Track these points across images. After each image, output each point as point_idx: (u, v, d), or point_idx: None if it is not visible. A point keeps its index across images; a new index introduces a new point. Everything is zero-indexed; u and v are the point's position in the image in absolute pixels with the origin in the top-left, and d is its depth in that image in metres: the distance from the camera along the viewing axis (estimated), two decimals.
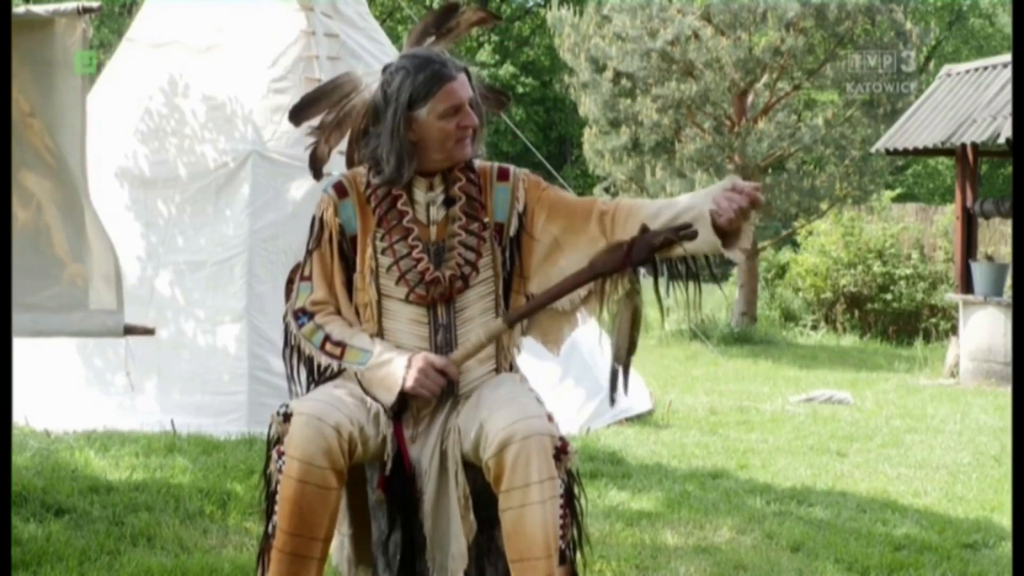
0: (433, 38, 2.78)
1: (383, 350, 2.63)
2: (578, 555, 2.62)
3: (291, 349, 2.77)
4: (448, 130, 2.63)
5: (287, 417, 2.53)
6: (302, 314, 2.73)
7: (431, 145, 2.66)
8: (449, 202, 2.72)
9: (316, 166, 2.87)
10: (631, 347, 2.65)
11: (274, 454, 2.56)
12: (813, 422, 7.24)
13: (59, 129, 3.91)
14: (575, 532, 2.59)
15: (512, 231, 2.75)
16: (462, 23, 2.83)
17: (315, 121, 2.84)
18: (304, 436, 2.46)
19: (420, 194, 2.72)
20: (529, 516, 2.43)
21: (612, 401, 2.72)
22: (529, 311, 2.67)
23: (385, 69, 2.70)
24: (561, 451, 2.50)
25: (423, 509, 2.62)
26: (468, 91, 2.65)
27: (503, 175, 2.77)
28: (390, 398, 2.59)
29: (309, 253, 2.75)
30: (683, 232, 2.54)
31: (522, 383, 2.71)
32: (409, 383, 2.56)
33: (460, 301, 2.68)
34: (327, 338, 2.68)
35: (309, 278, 2.74)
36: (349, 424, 2.49)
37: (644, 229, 2.60)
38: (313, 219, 2.76)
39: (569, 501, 2.55)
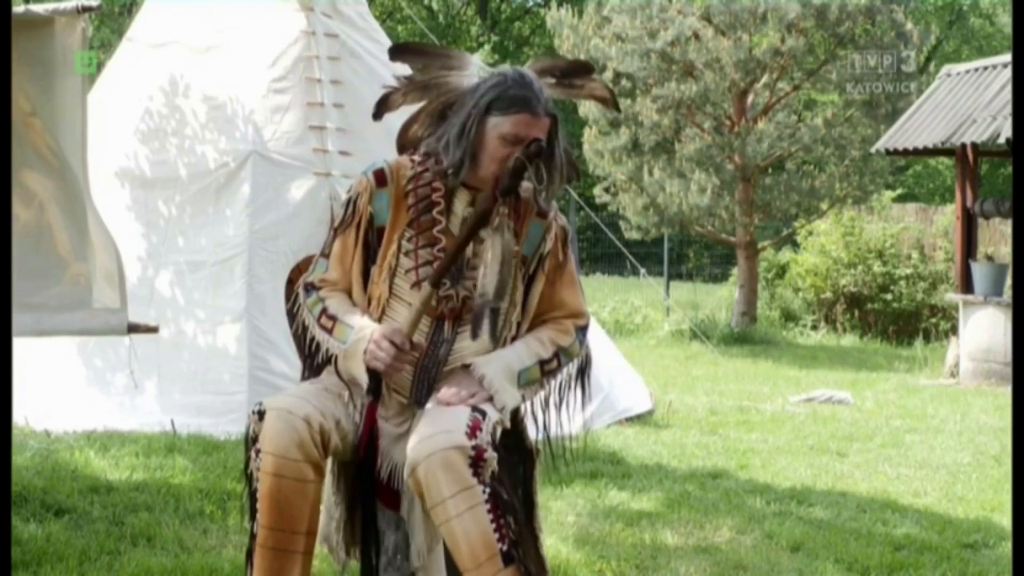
0: (553, 80, 2.73)
1: (362, 327, 2.63)
2: (531, 551, 2.55)
3: (293, 317, 2.79)
4: (499, 155, 2.61)
5: (261, 415, 2.53)
6: (311, 287, 2.75)
7: (483, 157, 2.64)
8: None
9: (381, 109, 2.81)
10: (501, 288, 2.63)
11: (252, 453, 2.55)
12: (813, 422, 7.24)
13: (59, 128, 3.92)
14: (514, 530, 2.48)
15: (531, 269, 2.76)
16: (585, 88, 2.80)
17: (406, 69, 2.81)
18: (275, 430, 2.47)
19: (459, 206, 2.70)
20: (452, 532, 2.44)
21: (474, 336, 2.66)
22: (444, 266, 2.62)
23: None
24: (478, 459, 2.45)
25: (402, 508, 2.63)
26: (540, 135, 2.61)
27: (543, 213, 2.76)
28: (364, 376, 2.59)
29: (334, 232, 2.74)
30: (528, 151, 2.57)
31: None
32: (366, 357, 2.57)
33: (467, 321, 2.67)
34: (324, 311, 2.70)
35: (327, 256, 2.75)
36: (320, 416, 2.50)
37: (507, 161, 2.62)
38: (347, 200, 2.74)
39: (499, 504, 2.47)
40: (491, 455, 2.47)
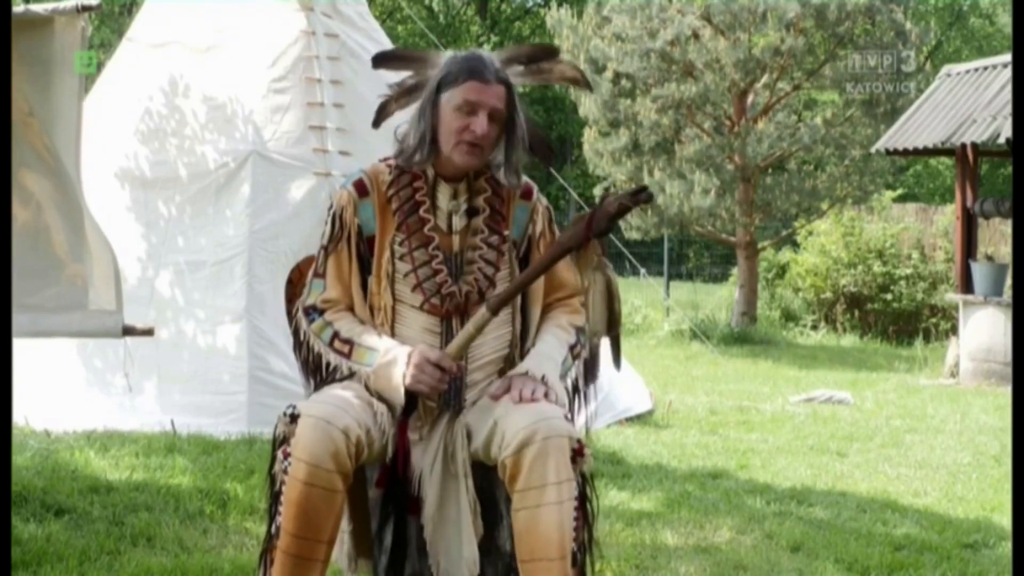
0: (521, 68, 2.73)
1: (388, 348, 2.61)
2: (587, 559, 2.60)
3: (300, 345, 2.75)
4: (455, 126, 2.61)
5: (294, 418, 2.52)
6: (312, 310, 2.71)
7: (441, 136, 2.63)
8: (472, 212, 2.71)
9: (379, 118, 2.82)
10: (612, 320, 2.67)
11: (279, 455, 2.54)
12: (813, 422, 7.24)
13: (55, 129, 3.91)
14: (586, 535, 2.58)
15: (521, 252, 2.77)
16: (555, 72, 2.80)
17: (395, 76, 2.82)
18: (312, 439, 2.45)
19: (443, 201, 2.70)
20: (544, 516, 2.43)
21: (592, 377, 2.76)
22: (509, 295, 2.64)
23: None
24: (578, 453, 2.51)
25: (424, 514, 2.61)
26: (495, 101, 2.61)
27: (526, 194, 2.77)
28: (399, 398, 2.58)
29: (324, 250, 2.72)
30: (636, 197, 2.56)
31: None
32: (407, 380, 2.55)
33: (472, 314, 2.66)
34: (336, 335, 2.67)
35: (323, 275, 2.71)
36: (357, 427, 2.48)
37: (603, 198, 2.63)
38: (332, 216, 2.71)
39: (583, 504, 2.55)
40: (588, 452, 2.54)
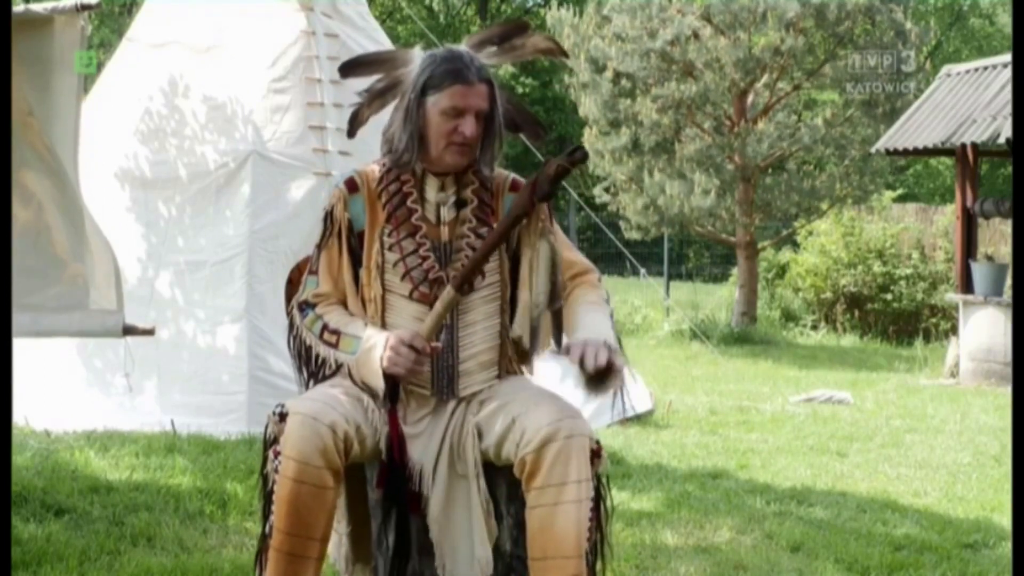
0: (494, 49, 2.74)
1: (370, 336, 2.63)
2: (598, 561, 2.60)
3: (294, 339, 2.77)
4: (443, 129, 2.63)
5: (283, 417, 2.54)
6: (306, 306, 2.75)
7: (429, 138, 2.66)
8: (460, 204, 2.72)
9: (353, 126, 2.83)
10: (555, 292, 2.65)
11: (270, 454, 2.56)
12: (813, 422, 7.24)
13: (54, 128, 3.91)
14: (598, 537, 2.58)
15: (513, 243, 2.76)
16: (528, 46, 2.80)
17: (364, 82, 2.82)
18: (300, 436, 2.46)
19: (431, 193, 2.72)
20: (563, 514, 2.44)
21: (530, 354, 2.69)
22: (470, 270, 2.63)
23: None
24: (596, 454, 2.52)
25: (429, 514, 2.61)
26: (480, 102, 2.63)
27: (515, 187, 2.78)
28: (380, 383, 2.59)
29: (318, 247, 2.76)
30: (572, 157, 2.58)
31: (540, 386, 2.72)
32: (384, 364, 2.57)
33: (464, 303, 2.68)
34: (325, 327, 2.70)
35: (316, 272, 2.75)
36: (345, 423, 2.50)
37: (544, 163, 2.63)
38: (325, 214, 2.75)
39: (597, 505, 2.55)
40: (605, 455, 2.55)
